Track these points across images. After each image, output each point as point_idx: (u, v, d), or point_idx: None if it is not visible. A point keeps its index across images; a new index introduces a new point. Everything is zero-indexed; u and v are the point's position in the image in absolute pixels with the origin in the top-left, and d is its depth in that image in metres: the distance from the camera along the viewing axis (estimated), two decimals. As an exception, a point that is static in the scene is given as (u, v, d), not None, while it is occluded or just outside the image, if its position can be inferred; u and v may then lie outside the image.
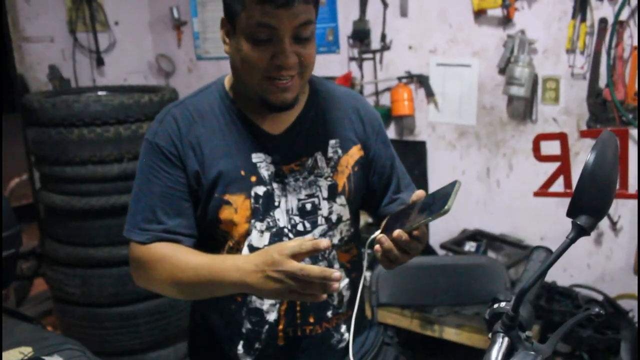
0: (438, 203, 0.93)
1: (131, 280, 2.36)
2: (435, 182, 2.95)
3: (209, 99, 1.17)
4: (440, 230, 2.93)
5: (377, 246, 1.00)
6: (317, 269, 0.91)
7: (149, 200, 1.12)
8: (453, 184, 0.95)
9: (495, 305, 0.81)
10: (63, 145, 2.29)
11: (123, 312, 2.43)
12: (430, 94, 2.87)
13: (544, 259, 0.88)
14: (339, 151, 1.21)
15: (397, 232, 0.96)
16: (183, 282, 1.07)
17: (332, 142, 1.20)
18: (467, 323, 2.49)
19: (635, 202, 2.55)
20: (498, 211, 2.85)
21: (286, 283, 0.93)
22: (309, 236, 1.17)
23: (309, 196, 1.17)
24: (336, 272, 0.91)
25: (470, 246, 2.68)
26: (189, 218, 1.14)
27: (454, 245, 2.70)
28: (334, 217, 1.20)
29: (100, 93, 2.74)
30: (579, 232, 0.73)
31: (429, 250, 2.79)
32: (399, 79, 2.90)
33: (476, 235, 2.78)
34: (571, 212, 0.74)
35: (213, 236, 1.17)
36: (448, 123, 2.90)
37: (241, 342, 1.20)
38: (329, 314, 1.22)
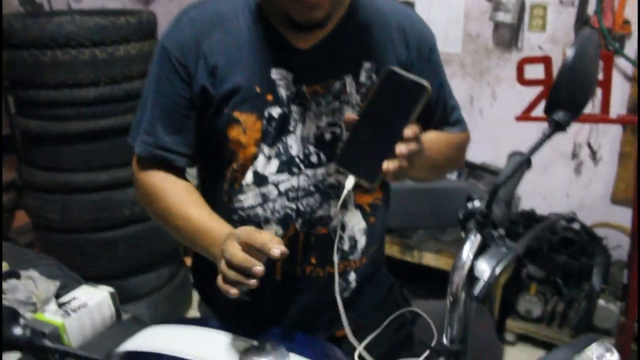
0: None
1: (111, 205, 2.37)
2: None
3: (232, 1, 1.04)
4: (422, 160, 2.93)
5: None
6: (240, 256, 0.83)
7: (151, 111, 1.06)
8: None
9: (469, 204, 0.80)
10: (36, 68, 2.22)
11: (103, 238, 2.42)
12: (415, 21, 2.81)
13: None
14: (374, 77, 1.06)
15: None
16: (163, 218, 1.07)
17: (366, 65, 1.05)
18: (446, 249, 2.52)
19: (616, 130, 2.56)
20: (480, 140, 2.84)
21: (223, 268, 0.87)
22: (321, 169, 1.06)
23: (330, 125, 1.04)
24: (258, 267, 0.82)
25: (451, 175, 2.69)
26: (188, 136, 1.07)
27: (435, 173, 2.70)
28: None
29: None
30: (555, 127, 0.72)
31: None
32: (384, 4, 2.83)
33: (458, 164, 2.79)
34: (548, 108, 0.73)
35: (221, 153, 1.07)
36: (432, 50, 2.85)
37: None
38: (335, 257, 1.06)
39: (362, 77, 1.05)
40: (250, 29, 1.02)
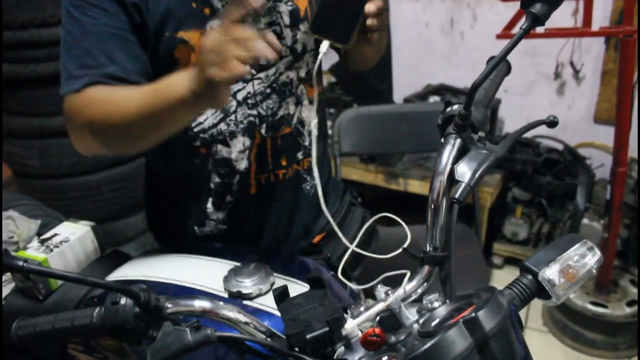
0: None
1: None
2: (397, 34, 2.87)
3: None
4: (404, 86, 2.90)
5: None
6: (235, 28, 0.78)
7: (83, 44, 0.94)
8: None
9: (448, 109, 0.78)
10: (-1, 8, 2.12)
11: (86, 182, 2.38)
12: (392, -57, 2.72)
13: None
14: None
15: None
16: (125, 118, 0.90)
17: None
18: (430, 175, 2.52)
19: (599, 48, 2.53)
20: (462, 64, 2.81)
21: (222, 48, 0.78)
22: (272, 70, 1.07)
23: (269, 24, 1.04)
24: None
25: (434, 100, 2.67)
26: (140, 59, 0.98)
27: (418, 99, 2.68)
28: (299, 47, 1.09)
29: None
30: (533, 20, 0.69)
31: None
32: None
33: (440, 90, 2.76)
34: (525, 1, 0.69)
35: None
36: (411, -27, 2.77)
37: (210, 199, 1.14)
38: (300, 155, 1.16)
39: None
40: None
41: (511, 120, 2.80)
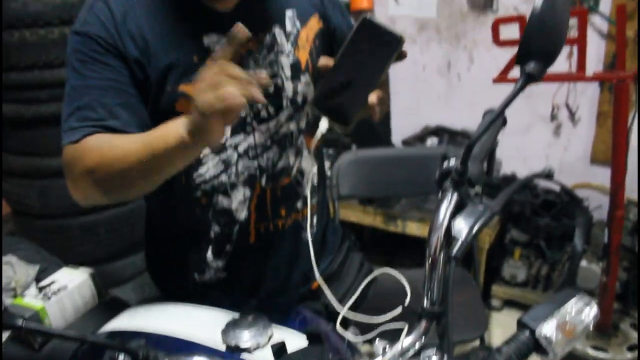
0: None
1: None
2: (395, 77, 2.91)
3: None
4: (402, 127, 2.93)
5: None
6: (229, 65, 0.80)
7: (84, 97, 0.95)
8: None
9: (445, 164, 0.79)
10: (4, 49, 2.16)
11: (84, 222, 2.38)
12: (389, -13, 2.78)
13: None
14: (297, 23, 1.09)
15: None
16: (125, 163, 0.90)
17: (288, 13, 1.09)
18: (429, 217, 2.51)
19: (594, 90, 2.57)
20: (459, 105, 2.85)
21: (216, 81, 0.79)
22: (273, 122, 1.08)
23: (271, 77, 1.03)
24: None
25: (432, 142, 2.69)
26: (140, 113, 0.99)
27: (416, 141, 2.70)
28: (299, 99, 1.11)
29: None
30: (527, 79, 0.70)
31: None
32: (358, -29, 2.79)
33: (438, 131, 2.79)
34: (520, 59, 0.71)
35: None
36: (408, 16, 2.83)
37: (210, 248, 1.14)
38: (299, 204, 1.17)
39: (288, 26, 1.08)
40: (169, 2, 1.01)
41: (508, 160, 2.82)
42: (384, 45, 0.83)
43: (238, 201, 1.10)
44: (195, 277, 1.18)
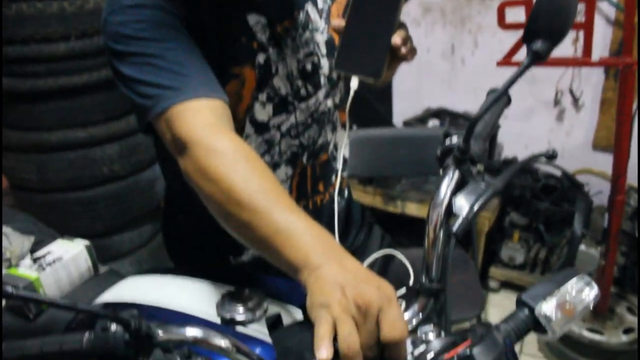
0: None
1: (89, 163, 2.32)
2: (400, 62, 2.89)
3: None
4: (404, 110, 2.91)
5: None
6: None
7: (168, 59, 0.84)
8: None
9: (447, 141, 0.78)
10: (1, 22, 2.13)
11: (82, 197, 2.38)
12: (394, -33, 2.74)
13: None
14: None
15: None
16: (229, 207, 0.75)
17: None
18: (428, 198, 2.51)
19: (598, 77, 2.55)
20: (462, 89, 2.83)
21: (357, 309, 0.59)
22: (312, 100, 1.07)
23: (308, 55, 1.05)
24: None
25: (433, 124, 2.67)
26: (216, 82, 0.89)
27: (417, 122, 2.68)
28: (334, 75, 1.11)
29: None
30: (533, 57, 0.69)
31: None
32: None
33: (440, 113, 2.77)
34: (526, 38, 0.70)
35: None
36: (413, -3, 2.79)
37: None
38: (333, 178, 1.18)
39: (320, 2, 1.08)
40: None
41: (510, 145, 2.81)
42: None
43: (280, 180, 1.10)
44: (230, 259, 1.17)
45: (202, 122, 0.81)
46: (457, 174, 0.75)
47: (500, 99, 0.72)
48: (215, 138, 0.79)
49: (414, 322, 0.75)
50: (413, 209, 2.55)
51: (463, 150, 0.74)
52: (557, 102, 2.67)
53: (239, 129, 1.02)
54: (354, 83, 0.86)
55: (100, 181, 2.38)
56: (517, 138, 2.78)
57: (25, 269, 1.10)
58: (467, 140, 0.73)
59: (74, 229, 2.40)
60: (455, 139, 0.77)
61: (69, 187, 2.37)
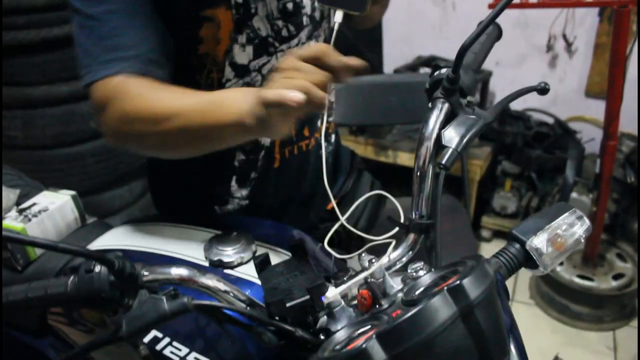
0: None
1: (76, 119, 2.27)
2: (389, 9, 2.82)
3: None
4: (394, 58, 2.86)
5: None
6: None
7: (106, 25, 0.85)
8: None
9: (436, 73, 0.76)
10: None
11: (70, 153, 2.34)
12: None
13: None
14: None
15: None
16: (166, 126, 0.81)
17: None
18: (420, 147, 2.51)
19: (592, 21, 2.50)
20: (453, 36, 2.77)
21: (290, 76, 0.72)
22: (294, 41, 1.03)
23: None
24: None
25: (424, 71, 2.64)
26: (163, 40, 0.90)
27: (408, 70, 2.64)
28: (317, 14, 1.05)
29: None
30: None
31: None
32: None
33: (431, 61, 2.72)
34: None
35: (188, 62, 0.98)
36: (402, -59, 2.72)
37: (234, 177, 1.10)
38: (319, 123, 1.14)
39: None
40: None
41: (502, 92, 2.78)
42: None
43: None
44: (216, 210, 1.15)
45: (117, 92, 0.85)
46: (446, 106, 0.73)
47: (489, 29, 0.69)
48: (121, 94, 0.84)
49: (404, 259, 0.74)
50: (405, 159, 2.54)
51: (452, 80, 0.71)
52: (549, 47, 2.63)
53: (219, 72, 0.99)
54: (338, 16, 0.81)
55: (88, 137, 2.33)
56: (510, 85, 2.74)
57: (11, 221, 1.08)
58: (456, 71, 0.71)
59: (63, 186, 2.36)
60: (444, 71, 0.75)
61: (56, 144, 2.33)
